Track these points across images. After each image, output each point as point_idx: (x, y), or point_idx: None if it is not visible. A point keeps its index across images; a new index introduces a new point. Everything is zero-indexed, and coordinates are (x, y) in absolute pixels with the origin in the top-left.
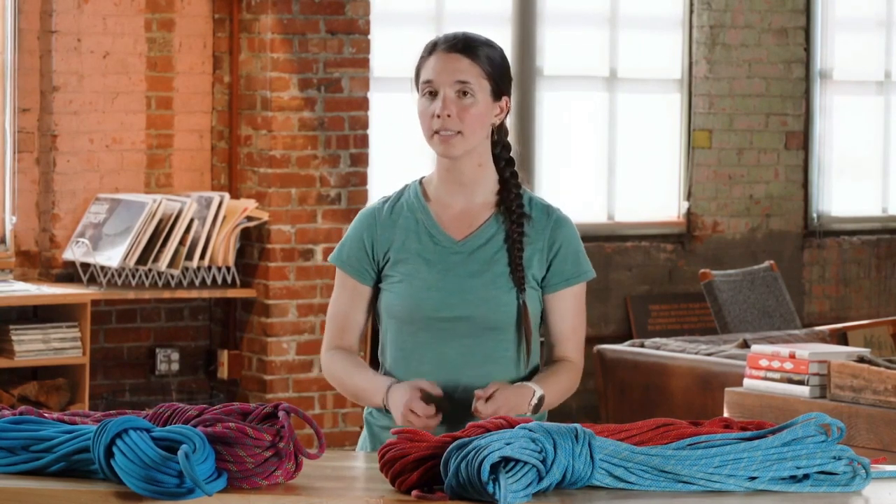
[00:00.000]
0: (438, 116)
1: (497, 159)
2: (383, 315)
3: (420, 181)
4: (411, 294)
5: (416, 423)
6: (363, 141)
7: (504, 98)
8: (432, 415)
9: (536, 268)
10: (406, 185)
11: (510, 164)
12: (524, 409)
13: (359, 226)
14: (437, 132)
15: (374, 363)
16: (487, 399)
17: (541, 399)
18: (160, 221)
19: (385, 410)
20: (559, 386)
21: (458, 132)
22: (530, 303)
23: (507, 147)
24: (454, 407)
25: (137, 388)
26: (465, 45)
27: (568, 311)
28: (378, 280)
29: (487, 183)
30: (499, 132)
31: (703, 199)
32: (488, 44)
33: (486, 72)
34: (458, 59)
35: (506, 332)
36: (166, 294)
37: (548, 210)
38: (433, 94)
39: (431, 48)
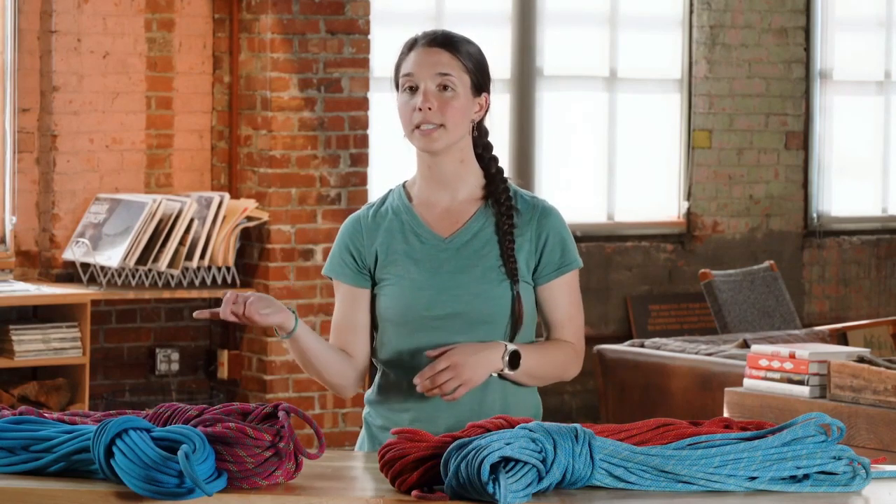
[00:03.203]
0: (419, 110)
1: (480, 158)
2: (378, 319)
3: (403, 184)
4: (402, 295)
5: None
6: (363, 141)
7: (484, 94)
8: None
9: (525, 260)
10: (390, 190)
11: (495, 161)
12: (490, 364)
13: (344, 234)
14: (417, 126)
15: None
16: (439, 355)
17: (514, 354)
18: (160, 221)
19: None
20: (544, 353)
21: (440, 125)
22: (523, 294)
23: (489, 146)
24: (452, 405)
25: (137, 388)
26: (444, 40)
27: (562, 298)
28: (374, 283)
29: (470, 180)
30: (479, 130)
31: (703, 199)
32: (467, 40)
33: (466, 66)
34: (439, 52)
35: (499, 326)
36: (166, 294)
37: (533, 201)
38: (413, 89)
39: (411, 45)
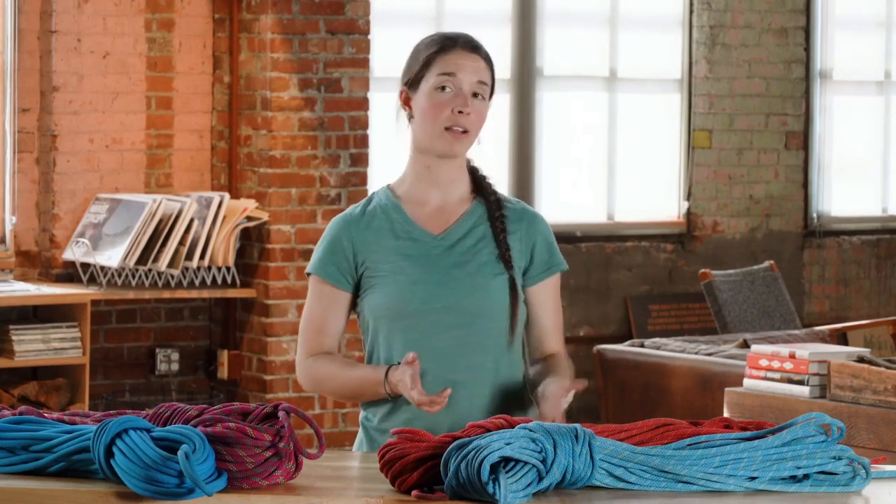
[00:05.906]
0: (460, 112)
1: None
2: (369, 319)
3: (388, 186)
4: (397, 290)
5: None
6: (363, 141)
7: (491, 100)
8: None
9: (517, 258)
10: (373, 193)
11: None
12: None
13: (335, 231)
14: (449, 128)
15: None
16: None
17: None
18: (160, 221)
19: (389, 397)
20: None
21: (467, 132)
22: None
23: None
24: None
25: (137, 388)
26: (479, 47)
27: (550, 302)
28: (357, 286)
29: (462, 181)
30: None
31: (703, 199)
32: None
33: (492, 75)
34: (478, 59)
35: (495, 320)
36: (166, 294)
37: (521, 206)
38: (447, 89)
39: (449, 43)
